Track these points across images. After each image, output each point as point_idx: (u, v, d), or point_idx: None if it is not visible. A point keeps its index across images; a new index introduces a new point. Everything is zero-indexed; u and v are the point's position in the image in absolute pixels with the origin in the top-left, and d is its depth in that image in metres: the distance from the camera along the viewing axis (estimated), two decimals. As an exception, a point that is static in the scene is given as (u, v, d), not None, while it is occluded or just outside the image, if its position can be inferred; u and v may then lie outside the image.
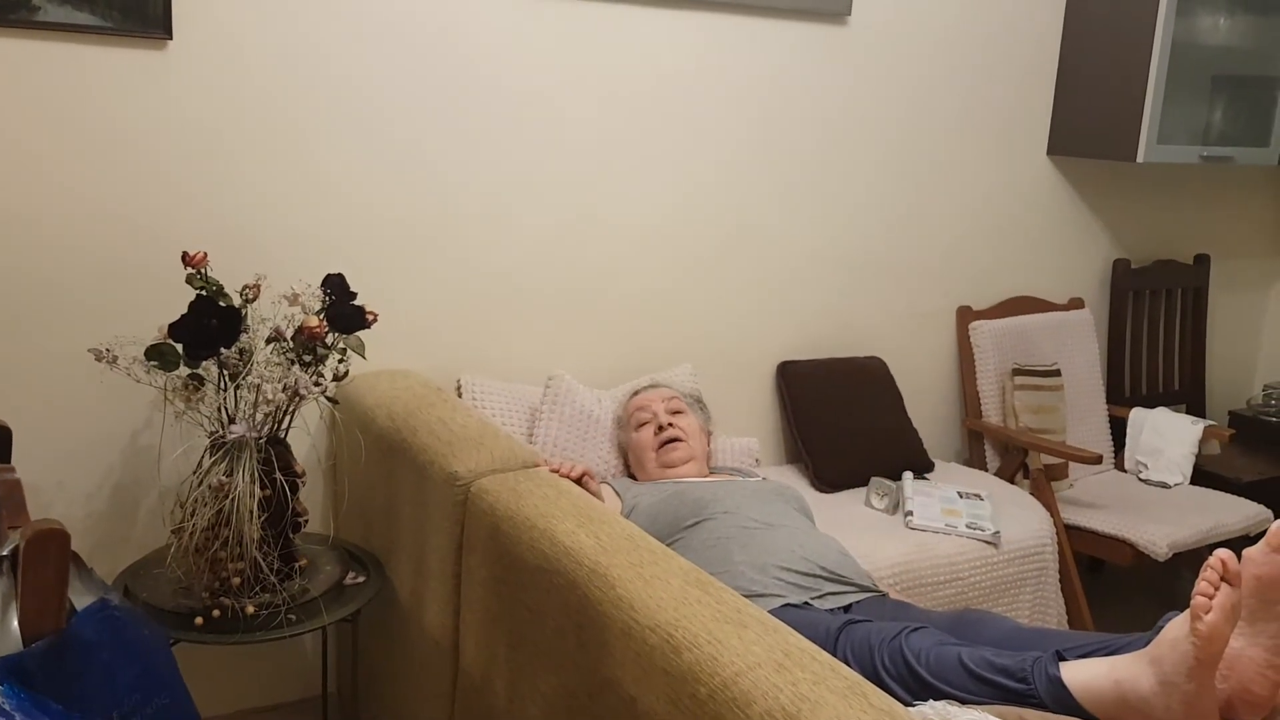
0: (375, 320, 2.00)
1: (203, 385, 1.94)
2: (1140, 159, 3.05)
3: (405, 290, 2.43)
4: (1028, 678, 1.59)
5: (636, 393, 2.61)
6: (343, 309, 1.96)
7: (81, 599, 1.11)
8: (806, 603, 1.98)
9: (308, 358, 1.91)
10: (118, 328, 2.15)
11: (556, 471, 1.98)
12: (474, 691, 1.84)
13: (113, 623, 1.17)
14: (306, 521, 2.05)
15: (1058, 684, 1.57)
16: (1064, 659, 1.62)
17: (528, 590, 1.66)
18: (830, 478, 2.82)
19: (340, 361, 1.99)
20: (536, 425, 2.50)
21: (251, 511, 1.87)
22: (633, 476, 2.56)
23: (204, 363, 1.91)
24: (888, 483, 2.72)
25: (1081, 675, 1.57)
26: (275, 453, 1.93)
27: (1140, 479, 3.20)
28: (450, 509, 1.86)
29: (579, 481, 2.04)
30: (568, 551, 1.58)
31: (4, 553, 1.10)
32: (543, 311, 2.61)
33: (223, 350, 1.86)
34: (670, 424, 2.49)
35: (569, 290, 2.63)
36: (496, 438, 1.97)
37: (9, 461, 1.54)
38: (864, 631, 1.78)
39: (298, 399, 1.88)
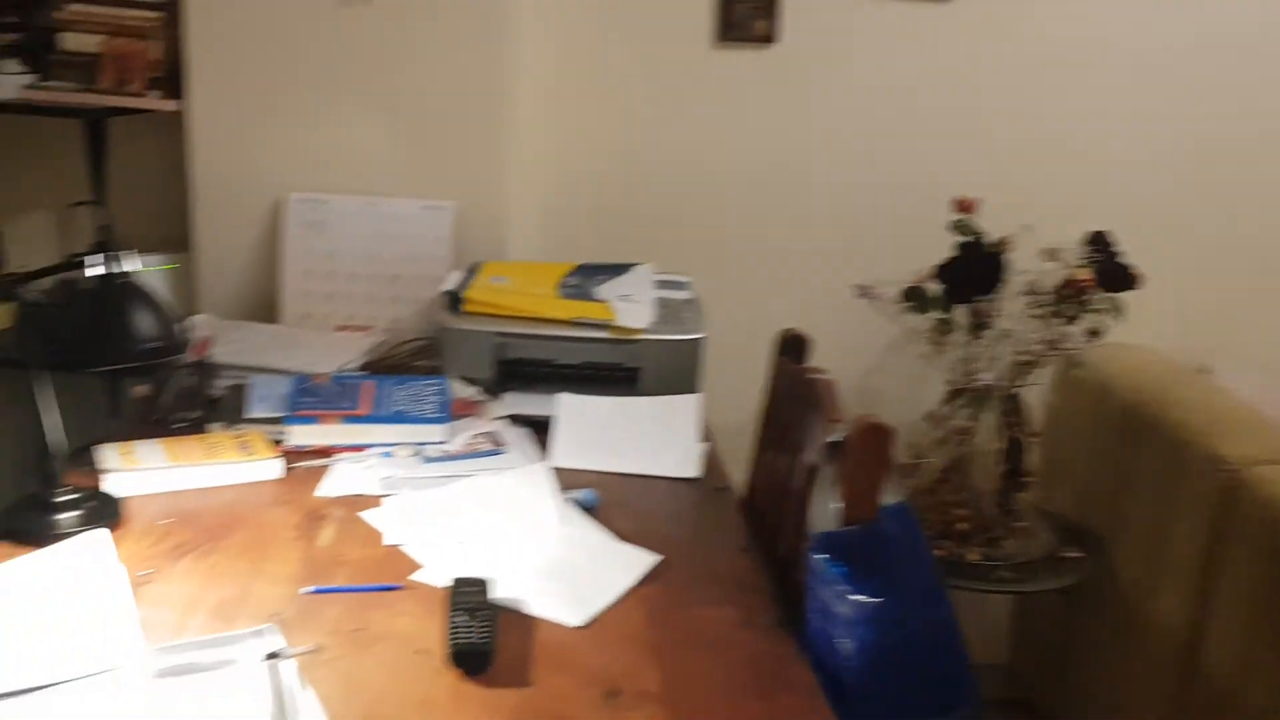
0: (1142, 282, 1.87)
1: (951, 330, 1.97)
2: None
3: (1157, 261, 2.23)
4: None
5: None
6: (1111, 266, 1.86)
7: (885, 497, 1.18)
8: None
9: (1070, 312, 1.85)
10: (871, 269, 2.22)
11: None
12: (1217, 697, 1.65)
13: (911, 527, 1.23)
14: (1031, 483, 2.00)
15: None
16: None
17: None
18: None
19: (1102, 320, 1.89)
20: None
21: (988, 462, 1.87)
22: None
23: (956, 308, 1.94)
24: None
25: None
26: (1015, 407, 1.91)
27: None
28: (1209, 495, 1.68)
29: None
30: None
31: (834, 439, 1.22)
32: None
33: (983, 297, 1.87)
34: None
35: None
36: (1274, 426, 1.73)
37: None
38: None
39: (1054, 354, 1.83)
